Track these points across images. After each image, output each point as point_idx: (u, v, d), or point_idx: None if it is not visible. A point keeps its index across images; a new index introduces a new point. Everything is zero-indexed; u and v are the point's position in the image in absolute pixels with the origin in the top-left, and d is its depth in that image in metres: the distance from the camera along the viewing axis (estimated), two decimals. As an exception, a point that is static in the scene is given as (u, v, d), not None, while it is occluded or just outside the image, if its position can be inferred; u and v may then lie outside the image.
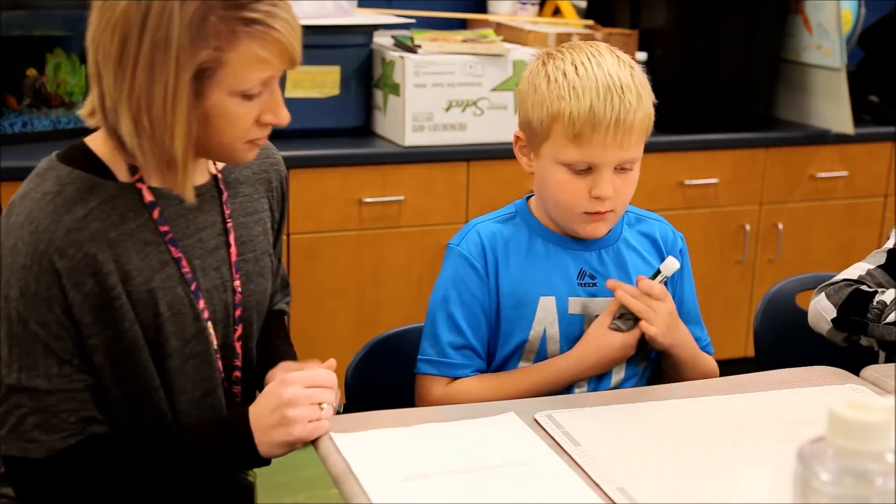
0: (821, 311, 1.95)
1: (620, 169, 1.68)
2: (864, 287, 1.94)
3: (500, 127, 3.19)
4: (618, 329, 1.69)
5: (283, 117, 1.70)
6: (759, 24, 3.59)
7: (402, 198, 3.19)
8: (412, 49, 3.23)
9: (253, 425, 1.58)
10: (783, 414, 1.63)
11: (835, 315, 1.93)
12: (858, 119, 3.65)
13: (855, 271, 2.00)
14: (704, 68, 3.50)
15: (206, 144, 1.61)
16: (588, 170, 1.66)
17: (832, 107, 3.64)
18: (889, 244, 2.05)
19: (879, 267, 2.01)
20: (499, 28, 3.54)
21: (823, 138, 3.68)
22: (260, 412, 1.60)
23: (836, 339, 1.92)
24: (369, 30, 3.34)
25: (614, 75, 1.65)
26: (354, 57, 3.30)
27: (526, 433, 1.52)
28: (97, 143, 1.65)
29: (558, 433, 1.52)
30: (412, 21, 3.49)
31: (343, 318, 3.23)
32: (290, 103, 3.41)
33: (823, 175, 3.72)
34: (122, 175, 1.63)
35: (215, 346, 1.69)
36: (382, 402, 1.62)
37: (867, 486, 0.95)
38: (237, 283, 1.73)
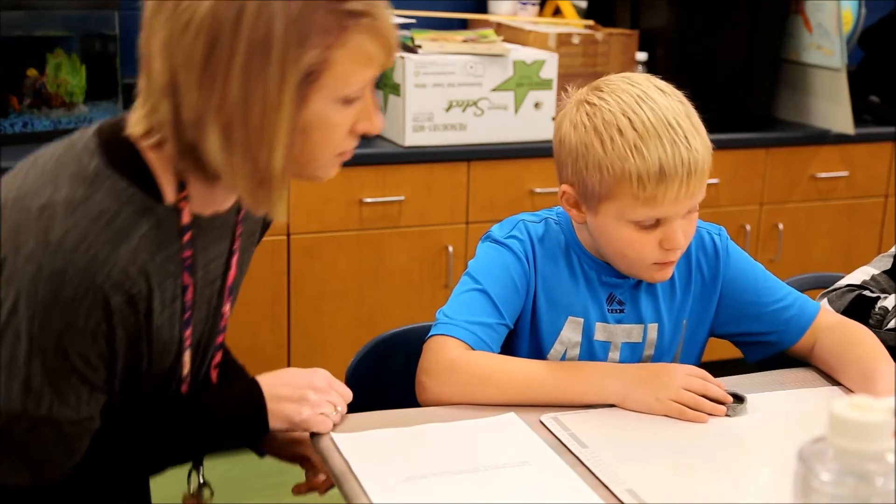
0: None
1: (688, 213, 1.64)
2: (866, 293, 1.94)
3: (500, 127, 3.20)
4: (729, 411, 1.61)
5: (378, 125, 1.54)
6: (759, 25, 3.60)
7: (402, 198, 3.19)
8: (412, 49, 3.23)
9: (265, 392, 1.58)
10: (784, 414, 1.63)
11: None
12: (859, 119, 3.67)
13: (859, 275, 2.01)
14: (705, 68, 3.51)
15: (294, 160, 1.44)
16: (657, 223, 1.62)
17: (832, 107, 3.65)
18: (894, 249, 2.05)
19: (884, 272, 2.01)
20: (499, 28, 3.55)
21: (824, 138, 3.68)
22: (274, 384, 1.60)
23: None
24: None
25: (671, 119, 1.58)
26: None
27: (527, 434, 1.52)
28: (145, 148, 1.47)
29: (564, 435, 1.52)
30: (412, 21, 3.49)
31: (343, 317, 3.22)
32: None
33: (824, 175, 3.73)
34: (170, 192, 1.47)
35: (184, 374, 1.62)
36: (383, 403, 1.62)
37: (868, 486, 0.95)
38: (226, 307, 1.67)
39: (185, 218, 1.48)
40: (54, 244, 1.36)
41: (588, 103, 1.63)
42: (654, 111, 1.58)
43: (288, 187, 1.47)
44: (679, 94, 1.64)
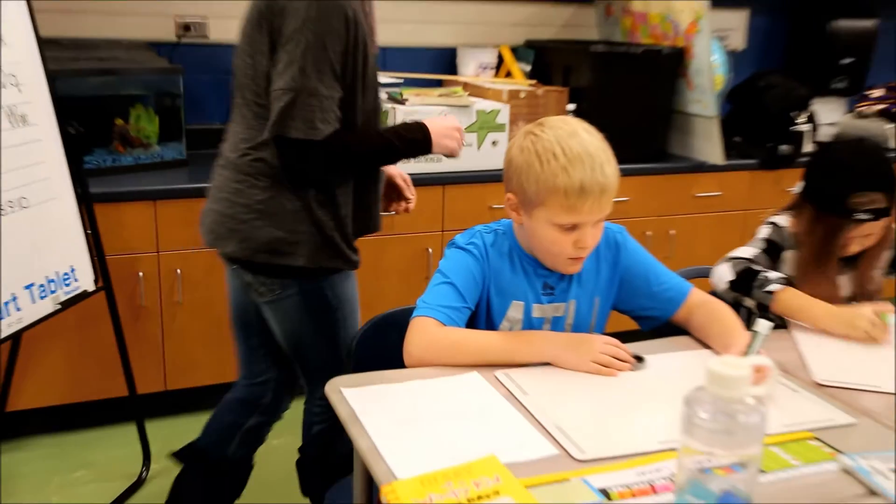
0: (722, 275, 1.99)
1: (597, 222, 1.65)
2: (754, 265, 1.97)
3: (467, 160, 3.17)
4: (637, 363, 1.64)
5: None
6: (656, 85, 3.62)
7: (392, 213, 3.18)
8: (401, 101, 3.23)
9: (432, 130, 2.06)
10: (672, 370, 1.64)
11: (732, 278, 1.98)
12: (727, 154, 3.69)
13: (748, 250, 2.06)
14: (617, 116, 3.51)
15: None
16: (574, 227, 1.62)
17: (708, 145, 3.67)
18: (762, 235, 2.08)
19: (762, 252, 2.06)
20: (466, 86, 3.55)
21: (702, 168, 3.70)
22: (437, 129, 2.08)
23: (728, 297, 1.95)
24: (369, 88, 3.32)
25: (592, 151, 1.59)
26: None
27: (486, 387, 1.53)
28: None
29: (513, 386, 1.53)
30: (401, 81, 3.49)
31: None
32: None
33: (703, 195, 3.74)
34: None
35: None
36: (380, 365, 1.60)
37: (733, 421, 0.96)
38: None
39: None
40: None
41: (533, 134, 1.64)
42: (580, 144, 1.59)
43: None
44: (598, 134, 1.65)
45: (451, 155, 2.15)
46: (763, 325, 1.53)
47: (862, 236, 1.99)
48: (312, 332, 2.07)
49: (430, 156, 3.17)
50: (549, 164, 1.59)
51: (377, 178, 2.12)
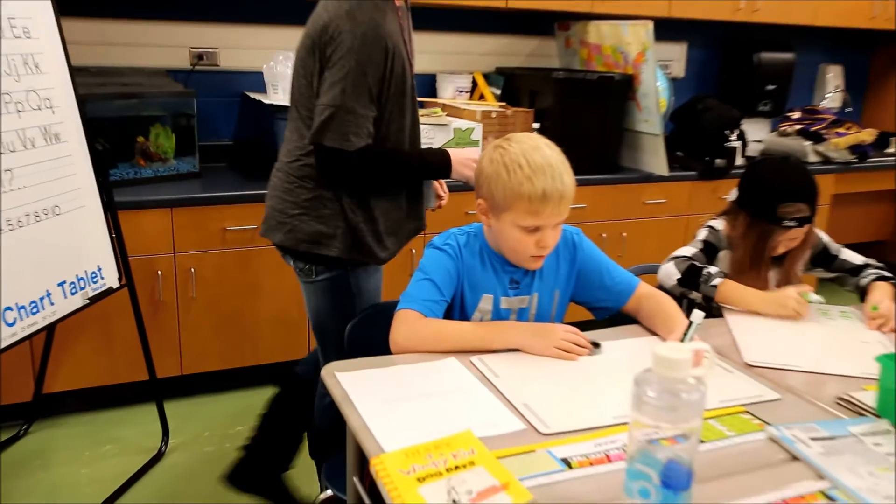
0: (669, 272, 2.00)
1: (556, 225, 1.65)
2: (696, 263, 1.99)
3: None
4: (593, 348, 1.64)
5: None
6: (609, 107, 3.62)
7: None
8: (388, 122, 3.21)
9: (453, 158, 2.09)
10: (624, 354, 1.64)
11: (679, 276, 1.98)
12: (671, 166, 3.70)
13: (688, 250, 2.07)
14: (576, 134, 3.52)
15: None
16: (536, 229, 1.62)
17: (654, 159, 3.68)
18: (701, 237, 2.09)
19: (700, 252, 2.07)
20: (444, 107, 3.53)
21: (649, 178, 3.71)
22: (457, 158, 2.10)
23: (676, 292, 1.97)
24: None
25: (552, 163, 1.59)
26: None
27: (462, 370, 1.52)
28: None
29: (486, 369, 1.53)
30: (388, 104, 3.47)
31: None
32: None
33: (650, 202, 3.75)
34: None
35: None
36: (370, 352, 1.60)
37: (677, 398, 0.96)
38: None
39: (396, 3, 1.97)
40: (359, 20, 1.85)
41: (501, 147, 1.65)
42: (542, 156, 1.60)
43: None
44: (557, 148, 1.65)
45: (467, 182, 2.11)
46: (697, 314, 1.54)
47: (789, 240, 2.02)
48: (332, 313, 2.10)
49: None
50: (515, 173, 1.59)
51: (420, 190, 2.19)
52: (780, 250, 2.03)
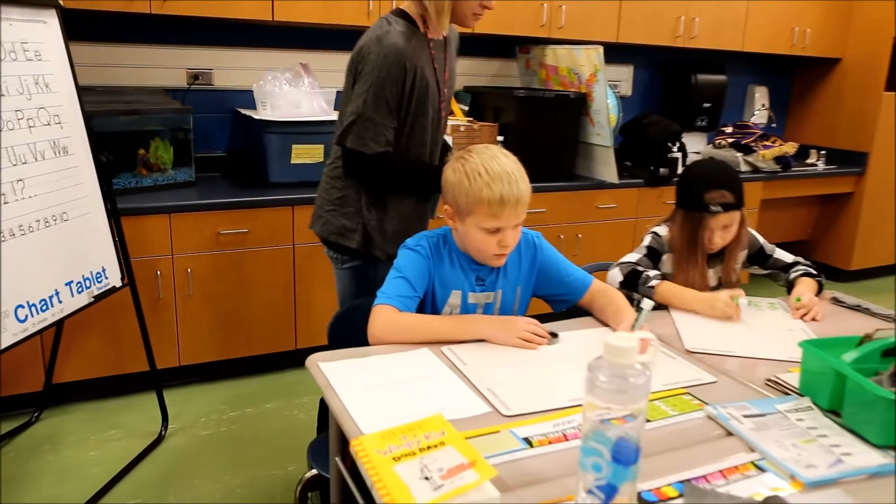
0: (614, 277, 2.00)
1: (515, 226, 1.65)
2: (638, 267, 1.99)
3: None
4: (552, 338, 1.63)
5: (492, 5, 1.99)
6: (565, 122, 3.64)
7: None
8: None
9: None
10: (579, 343, 1.64)
11: (622, 279, 1.99)
12: (620, 175, 3.72)
13: (634, 256, 2.07)
14: (536, 146, 3.53)
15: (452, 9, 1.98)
16: (497, 230, 1.62)
17: (606, 168, 3.70)
18: (645, 243, 2.10)
19: (644, 256, 2.07)
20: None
21: (602, 185, 3.73)
22: None
23: (622, 292, 1.96)
24: (342, 125, 3.29)
25: (509, 171, 1.59)
26: (331, 138, 3.24)
27: (434, 359, 1.51)
28: (408, 9, 2.02)
29: (454, 358, 1.52)
30: (367, 120, 3.46)
31: (330, 291, 3.18)
32: (295, 166, 3.38)
33: (602, 206, 3.77)
34: (421, 26, 2.02)
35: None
36: (349, 344, 1.59)
37: (625, 382, 0.96)
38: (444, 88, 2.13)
39: (428, 37, 2.03)
40: (385, 44, 1.92)
41: (462, 158, 1.65)
42: (499, 165, 1.60)
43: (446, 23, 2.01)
44: (514, 158, 1.65)
45: None
46: (647, 303, 1.55)
47: (720, 228, 2.01)
48: (354, 297, 2.12)
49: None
50: (476, 181, 1.59)
51: (430, 198, 2.20)
52: (717, 242, 2.03)
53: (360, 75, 1.96)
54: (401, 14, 2.01)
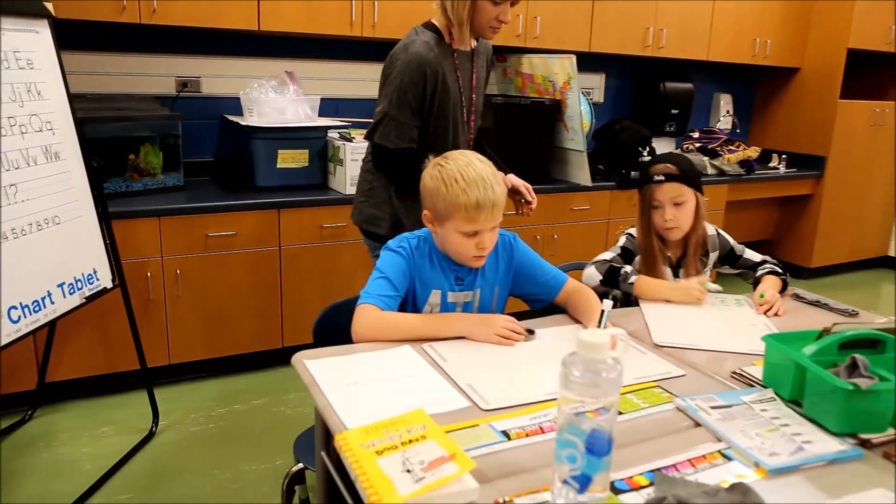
0: (592, 275, 2.00)
1: (492, 228, 1.64)
2: (615, 264, 1.99)
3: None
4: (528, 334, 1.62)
5: (507, 22, 2.09)
6: (541, 127, 3.64)
7: (346, 224, 3.14)
8: (350, 139, 3.19)
9: None
10: (554, 340, 1.64)
11: (601, 277, 1.99)
12: (593, 178, 3.73)
13: (608, 254, 2.08)
14: (513, 150, 3.53)
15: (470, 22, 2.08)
16: (475, 233, 1.62)
17: (580, 171, 3.71)
18: (620, 243, 2.11)
19: (618, 255, 2.08)
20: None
21: (576, 188, 3.74)
22: None
23: (600, 291, 1.96)
24: (325, 129, 3.28)
25: (484, 176, 1.59)
26: (317, 143, 3.24)
27: (415, 356, 1.51)
28: (437, 22, 2.14)
29: (435, 355, 1.51)
30: (349, 124, 3.45)
31: (315, 291, 3.17)
32: (281, 171, 3.35)
33: (577, 208, 3.78)
34: (447, 37, 2.14)
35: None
36: (334, 342, 1.58)
37: (598, 376, 0.96)
38: (473, 97, 2.26)
39: (453, 48, 2.14)
40: (410, 52, 2.07)
41: (439, 165, 1.64)
42: (475, 171, 1.60)
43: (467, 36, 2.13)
44: (489, 163, 1.65)
45: None
46: (606, 304, 1.57)
47: (670, 203, 2.02)
48: None
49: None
50: (452, 187, 1.58)
51: None
52: (669, 218, 2.02)
53: (388, 79, 2.12)
54: (429, 26, 2.16)
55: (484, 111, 3.60)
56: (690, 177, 2.04)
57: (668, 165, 2.02)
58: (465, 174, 1.58)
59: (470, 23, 2.09)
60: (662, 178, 2.01)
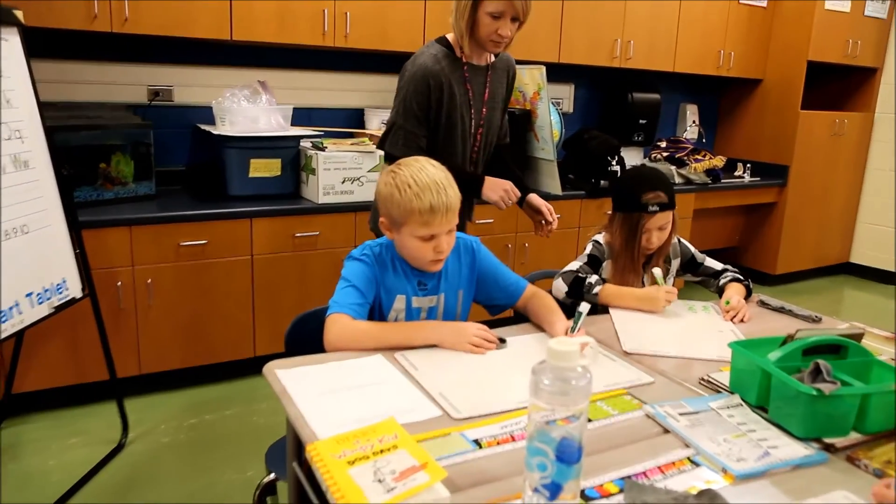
0: (559, 287, 2.00)
1: (448, 232, 1.64)
2: (580, 275, 1.99)
3: (372, 193, 3.14)
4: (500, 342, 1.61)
5: (507, 37, 2.11)
6: (512, 137, 3.62)
7: (318, 233, 3.12)
8: (322, 148, 3.17)
9: (485, 183, 2.27)
10: (524, 348, 1.64)
11: (567, 289, 1.98)
12: (564, 187, 3.75)
13: (575, 264, 2.07)
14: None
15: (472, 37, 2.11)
16: (431, 237, 1.61)
17: (551, 180, 3.71)
18: (587, 251, 2.11)
19: (585, 264, 2.08)
20: (371, 137, 3.50)
21: (547, 197, 3.66)
22: (490, 183, 2.28)
23: (567, 301, 1.96)
24: (298, 138, 3.26)
25: (437, 179, 1.59)
26: (289, 153, 3.21)
27: (387, 365, 1.49)
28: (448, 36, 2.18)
29: (407, 363, 1.50)
30: (322, 133, 3.43)
31: (287, 300, 3.14)
32: (253, 180, 3.32)
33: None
34: (457, 50, 2.18)
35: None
36: (305, 351, 1.56)
37: (567, 384, 0.95)
38: (484, 111, 2.29)
39: (464, 60, 2.20)
40: (417, 63, 2.13)
41: (393, 171, 1.64)
42: (427, 175, 1.60)
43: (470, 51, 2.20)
44: (443, 168, 1.64)
45: (495, 204, 2.31)
46: (584, 306, 1.56)
47: (657, 228, 2.04)
48: None
49: (345, 190, 3.19)
50: (406, 192, 1.58)
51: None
52: (654, 241, 2.05)
53: (398, 90, 2.19)
54: (441, 40, 2.22)
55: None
56: (674, 200, 2.06)
57: (660, 194, 2.01)
58: (417, 179, 1.58)
59: (470, 36, 2.12)
60: (657, 208, 2.01)
